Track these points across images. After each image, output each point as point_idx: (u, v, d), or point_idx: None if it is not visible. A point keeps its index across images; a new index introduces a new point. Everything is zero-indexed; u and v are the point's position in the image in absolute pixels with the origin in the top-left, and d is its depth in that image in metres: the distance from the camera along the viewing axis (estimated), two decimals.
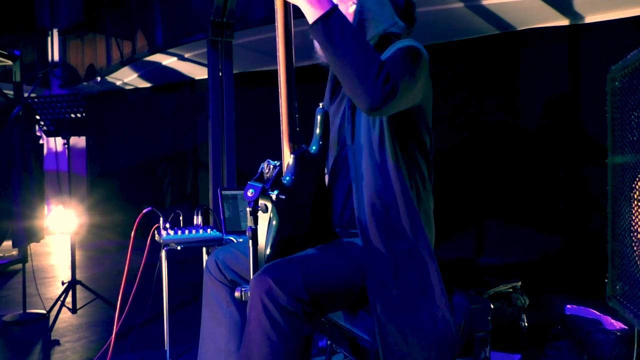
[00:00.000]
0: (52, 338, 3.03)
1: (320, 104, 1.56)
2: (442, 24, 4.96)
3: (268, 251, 1.41)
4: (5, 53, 4.84)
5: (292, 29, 1.48)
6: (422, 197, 1.51)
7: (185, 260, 3.77)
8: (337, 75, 1.33)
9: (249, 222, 1.42)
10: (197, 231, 2.50)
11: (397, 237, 1.44)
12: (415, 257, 1.43)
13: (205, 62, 4.04)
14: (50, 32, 9.42)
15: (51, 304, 3.45)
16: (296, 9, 1.41)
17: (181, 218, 2.67)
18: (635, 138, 1.76)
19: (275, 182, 1.43)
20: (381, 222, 1.44)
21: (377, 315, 1.38)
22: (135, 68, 7.85)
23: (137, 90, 9.09)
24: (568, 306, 3.10)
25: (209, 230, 2.53)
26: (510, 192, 5.03)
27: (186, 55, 6.94)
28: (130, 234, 2.41)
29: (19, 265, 4.77)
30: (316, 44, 1.56)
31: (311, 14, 1.31)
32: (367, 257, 1.45)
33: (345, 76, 1.29)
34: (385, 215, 1.44)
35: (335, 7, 1.31)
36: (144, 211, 2.46)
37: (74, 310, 3.36)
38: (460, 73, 5.43)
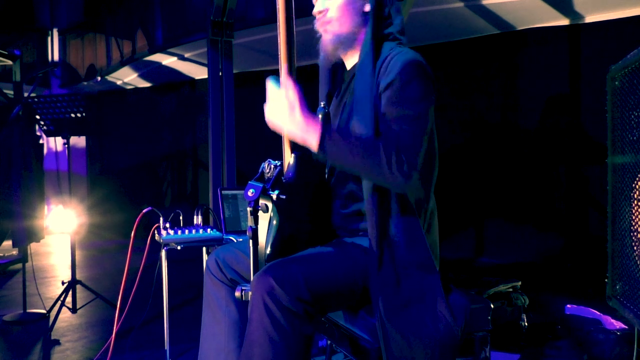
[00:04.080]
0: (52, 338, 3.03)
1: (322, 103, 1.56)
2: (442, 24, 4.96)
3: (268, 251, 1.41)
4: (5, 53, 4.84)
5: (294, 28, 1.48)
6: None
7: (185, 260, 3.77)
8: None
9: (250, 221, 1.41)
10: (197, 231, 2.50)
11: (398, 237, 1.43)
12: (417, 258, 1.43)
13: (205, 62, 4.04)
14: (50, 32, 9.42)
15: (51, 303, 3.45)
16: (298, 8, 1.41)
17: (181, 218, 2.67)
18: (635, 138, 1.76)
19: (276, 181, 1.43)
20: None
21: (379, 316, 1.38)
22: (135, 68, 7.85)
23: (137, 90, 9.09)
24: (568, 306, 3.10)
25: (209, 230, 2.53)
26: (511, 192, 5.03)
27: (186, 55, 6.94)
28: (130, 233, 2.41)
29: (19, 265, 4.77)
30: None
31: (310, 147, 1.37)
32: (369, 257, 1.45)
33: (367, 177, 1.42)
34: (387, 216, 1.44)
35: (322, 133, 1.34)
36: (144, 211, 2.46)
37: (74, 310, 3.35)
38: (460, 73, 5.43)
